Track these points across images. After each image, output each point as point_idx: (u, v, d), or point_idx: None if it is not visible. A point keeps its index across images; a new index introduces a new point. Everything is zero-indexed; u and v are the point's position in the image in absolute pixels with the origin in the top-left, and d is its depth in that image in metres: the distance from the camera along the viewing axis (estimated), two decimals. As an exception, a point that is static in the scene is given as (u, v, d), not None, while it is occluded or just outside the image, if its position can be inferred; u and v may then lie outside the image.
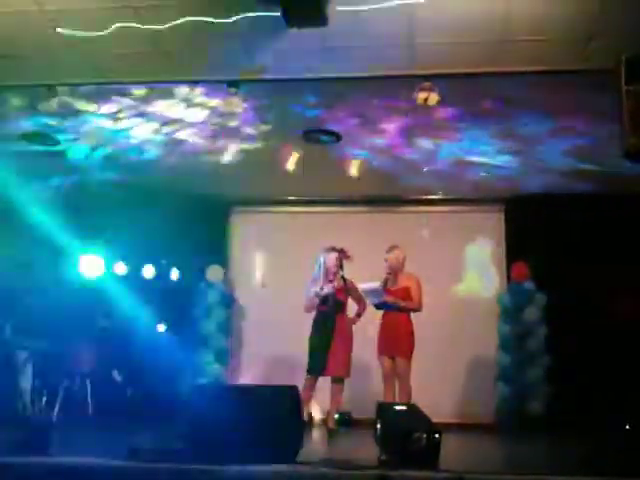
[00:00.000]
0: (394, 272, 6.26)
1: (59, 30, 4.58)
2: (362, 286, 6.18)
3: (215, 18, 4.40)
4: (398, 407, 4.67)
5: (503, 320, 7.69)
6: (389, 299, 6.08)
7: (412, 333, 6.14)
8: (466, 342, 7.93)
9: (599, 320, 7.10)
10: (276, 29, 4.31)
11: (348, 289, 6.35)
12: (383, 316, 6.25)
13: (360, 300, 6.39)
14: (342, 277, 6.35)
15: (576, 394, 6.97)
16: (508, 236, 8.09)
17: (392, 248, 6.34)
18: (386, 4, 4.21)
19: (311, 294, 6.29)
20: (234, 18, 4.34)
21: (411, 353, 6.12)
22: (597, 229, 7.41)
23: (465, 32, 4.50)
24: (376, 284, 6.12)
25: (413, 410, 4.50)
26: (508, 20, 4.36)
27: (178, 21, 4.44)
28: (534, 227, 7.71)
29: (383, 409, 4.59)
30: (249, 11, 4.23)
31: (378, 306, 6.21)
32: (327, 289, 6.24)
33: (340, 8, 4.13)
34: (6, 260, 7.50)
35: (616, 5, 4.15)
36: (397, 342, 6.09)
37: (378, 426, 4.44)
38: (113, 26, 4.54)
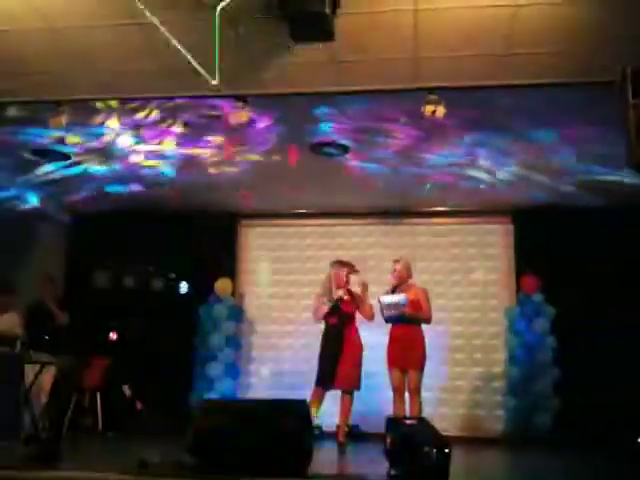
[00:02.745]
0: (401, 284, 6.26)
1: (67, 47, 4.64)
2: (384, 299, 6.12)
3: (221, 33, 4.44)
4: (408, 421, 4.66)
5: (512, 332, 7.66)
6: (409, 311, 6.05)
7: (423, 346, 6.12)
8: (475, 355, 7.92)
9: (608, 332, 7.05)
10: (283, 44, 4.35)
11: (356, 301, 6.36)
12: (393, 328, 6.23)
13: (367, 308, 6.37)
14: (349, 290, 6.36)
15: (585, 407, 6.92)
16: (517, 248, 8.07)
17: (397, 261, 6.37)
18: (392, 18, 4.25)
19: (319, 303, 6.30)
20: (241, 33, 4.37)
21: (422, 366, 6.09)
22: (606, 242, 7.38)
23: (470, 46, 4.53)
24: (399, 297, 6.09)
25: (423, 424, 4.48)
26: (512, 34, 4.38)
27: (184, 37, 4.48)
28: (543, 239, 7.69)
29: (393, 423, 4.58)
30: (256, 26, 4.26)
31: (388, 319, 6.19)
32: (336, 295, 6.24)
33: (346, 23, 4.16)
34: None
35: (621, 17, 4.16)
36: (408, 355, 6.07)
37: (388, 440, 4.43)
38: (120, 43, 4.60)
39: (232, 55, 4.47)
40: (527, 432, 7.24)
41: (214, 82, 4.30)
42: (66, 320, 7.13)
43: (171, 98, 5.44)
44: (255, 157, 6.71)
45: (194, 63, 4.30)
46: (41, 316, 7.02)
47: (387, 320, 6.17)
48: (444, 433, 4.28)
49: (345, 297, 6.32)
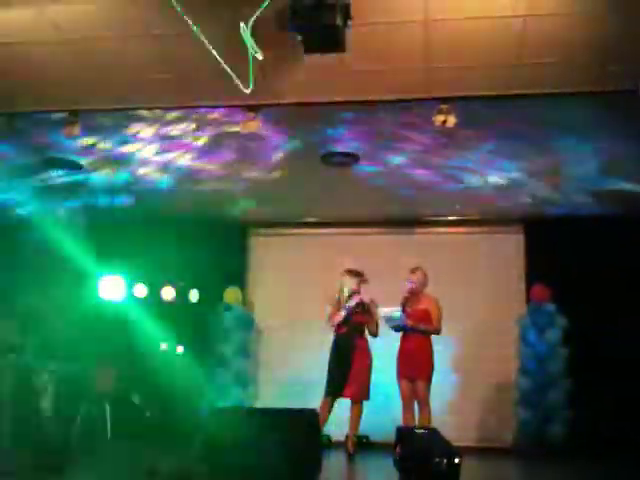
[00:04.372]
0: (416, 293, 6.25)
1: (80, 57, 4.68)
2: (382, 311, 6.13)
3: (234, 44, 4.46)
4: (418, 431, 4.64)
5: (523, 343, 7.61)
6: (409, 323, 6.06)
7: (431, 356, 6.11)
8: (486, 365, 7.86)
9: (621, 342, 7.00)
10: (294, 54, 4.36)
11: (367, 312, 6.34)
12: (402, 339, 6.23)
13: (374, 325, 6.36)
14: (361, 300, 6.35)
15: (598, 418, 6.86)
16: (528, 258, 8.03)
17: (415, 270, 6.33)
18: (403, 29, 4.26)
19: (335, 310, 6.30)
20: (253, 44, 4.39)
21: (431, 376, 6.09)
22: (618, 251, 7.33)
23: (481, 56, 4.53)
24: (397, 309, 6.09)
25: (433, 434, 4.46)
26: (524, 43, 4.38)
27: (197, 47, 4.50)
28: (554, 249, 7.66)
29: (403, 433, 4.56)
30: (267, 37, 4.28)
31: (397, 329, 6.19)
32: (353, 301, 6.23)
33: (358, 34, 4.17)
34: (27, 282, 7.60)
35: (634, 26, 4.15)
36: (416, 365, 6.06)
37: (398, 450, 4.41)
38: (133, 53, 4.63)
39: (243, 65, 4.50)
40: (539, 443, 7.17)
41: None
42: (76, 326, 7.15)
43: (185, 108, 5.47)
44: (267, 166, 6.73)
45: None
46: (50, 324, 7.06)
47: (394, 329, 6.19)
48: (455, 443, 4.25)
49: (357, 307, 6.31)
